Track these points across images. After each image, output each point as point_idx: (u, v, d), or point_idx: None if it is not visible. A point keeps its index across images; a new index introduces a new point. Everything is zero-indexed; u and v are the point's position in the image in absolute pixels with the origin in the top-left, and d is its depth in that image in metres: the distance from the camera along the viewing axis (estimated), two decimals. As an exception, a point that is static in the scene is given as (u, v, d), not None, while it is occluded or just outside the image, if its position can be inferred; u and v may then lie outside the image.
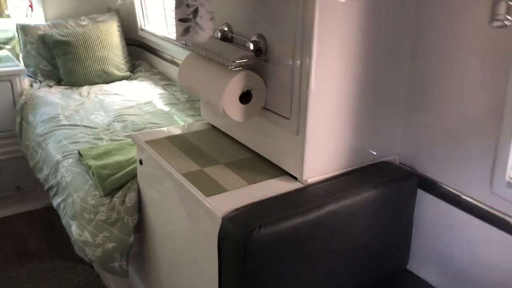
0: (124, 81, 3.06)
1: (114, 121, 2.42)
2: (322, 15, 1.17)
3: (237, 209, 1.22)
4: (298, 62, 1.24)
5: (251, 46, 1.37)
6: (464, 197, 1.36)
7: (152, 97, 2.76)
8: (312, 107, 1.26)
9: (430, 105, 1.40)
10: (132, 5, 3.24)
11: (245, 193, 1.31)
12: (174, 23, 1.36)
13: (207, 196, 1.28)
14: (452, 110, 1.34)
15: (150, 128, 2.30)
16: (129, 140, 2.14)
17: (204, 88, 1.41)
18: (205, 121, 1.80)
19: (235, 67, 1.31)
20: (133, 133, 2.27)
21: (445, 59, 1.32)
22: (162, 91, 2.85)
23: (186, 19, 1.28)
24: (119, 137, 2.24)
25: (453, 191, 1.39)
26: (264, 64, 1.36)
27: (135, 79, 3.12)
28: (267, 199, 1.27)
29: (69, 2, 3.35)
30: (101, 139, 2.22)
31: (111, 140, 2.21)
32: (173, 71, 3.06)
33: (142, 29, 3.22)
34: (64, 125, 2.38)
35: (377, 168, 1.45)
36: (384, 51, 1.34)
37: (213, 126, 1.74)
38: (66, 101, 2.73)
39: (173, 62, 3.08)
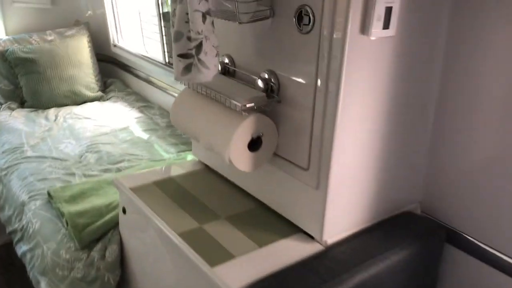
0: (95, 103, 2.80)
1: (86, 152, 2.17)
2: (351, 54, 0.99)
3: (252, 285, 1.01)
4: (321, 105, 1.05)
5: (261, 84, 1.17)
6: (495, 252, 1.21)
7: (128, 122, 2.51)
8: (336, 157, 1.08)
9: (455, 148, 1.24)
10: (103, 17, 2.98)
11: (258, 261, 1.10)
12: (168, 54, 1.15)
13: (212, 266, 1.07)
14: (479, 154, 1.18)
15: (128, 160, 2.06)
16: (106, 176, 1.90)
17: (205, 133, 1.20)
18: (197, 160, 1.59)
19: (245, 111, 1.11)
20: (109, 166, 2.03)
21: (471, 102, 1.17)
22: (139, 114, 2.61)
23: (187, 55, 1.07)
24: (93, 171, 1.99)
25: (483, 245, 1.23)
26: (276, 105, 1.17)
27: (107, 99, 2.86)
28: (285, 268, 1.07)
29: (33, 14, 3.06)
30: (73, 174, 1.96)
31: (85, 175, 1.95)
32: (149, 91, 2.82)
33: (115, 45, 2.97)
34: (29, 157, 2.11)
35: (402, 221, 1.28)
36: (411, 94, 1.17)
37: (207, 166, 1.53)
38: (31, 126, 2.45)
39: (149, 82, 2.84)
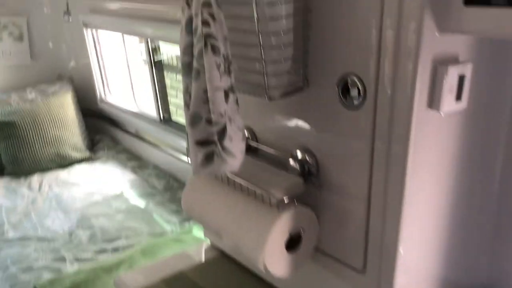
0: (84, 165, 2.56)
1: (77, 228, 1.91)
2: (418, 133, 0.78)
3: None
4: (379, 194, 0.84)
5: (295, 165, 0.96)
6: None
7: (122, 186, 2.27)
8: (403, 258, 0.86)
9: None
10: (87, 69, 2.76)
11: None
12: (188, 145, 0.94)
13: None
14: None
15: (126, 237, 1.81)
16: (103, 260, 1.65)
17: (229, 231, 0.97)
18: (209, 243, 1.35)
19: (282, 204, 0.89)
20: (105, 245, 1.78)
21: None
22: (133, 176, 2.37)
23: (207, 142, 0.85)
24: (86, 253, 1.74)
25: None
26: (314, 190, 0.95)
27: (97, 160, 2.62)
28: None
29: (12, 72, 2.83)
30: (63, 259, 1.70)
31: (77, 259, 1.70)
32: (141, 148, 2.60)
33: (102, 101, 2.75)
34: (10, 240, 1.85)
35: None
36: (477, 175, 0.97)
37: (224, 253, 1.30)
38: (12, 199, 2.19)
39: (140, 138, 2.62)
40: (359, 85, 0.82)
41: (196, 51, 0.84)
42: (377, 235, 0.87)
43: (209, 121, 0.85)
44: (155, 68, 2.27)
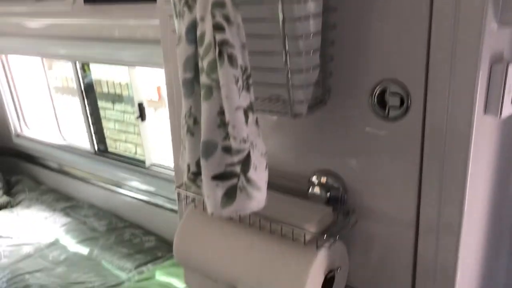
0: (2, 212, 2.19)
1: (9, 290, 1.59)
2: (477, 145, 0.68)
3: None
4: (431, 217, 0.73)
5: (319, 193, 0.82)
6: None
7: (55, 232, 1.96)
8: (459, 280, 0.75)
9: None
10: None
11: None
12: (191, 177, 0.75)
13: None
14: None
15: (75, 293, 1.53)
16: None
17: (249, 278, 0.79)
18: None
19: (320, 242, 0.74)
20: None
21: None
22: (66, 219, 2.07)
23: (227, 175, 0.68)
24: (27, 321, 1.43)
25: None
26: (342, 220, 0.82)
27: (17, 205, 2.26)
28: None
29: None
30: (-1, 333, 1.39)
31: (17, 331, 1.39)
32: (70, 185, 2.29)
33: (18, 135, 2.40)
34: None
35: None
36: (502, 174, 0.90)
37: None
38: None
39: (67, 173, 2.31)
40: (402, 92, 0.70)
41: (205, 64, 0.67)
42: (428, 262, 0.75)
43: (227, 149, 0.68)
44: (85, 95, 2.01)
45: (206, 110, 0.68)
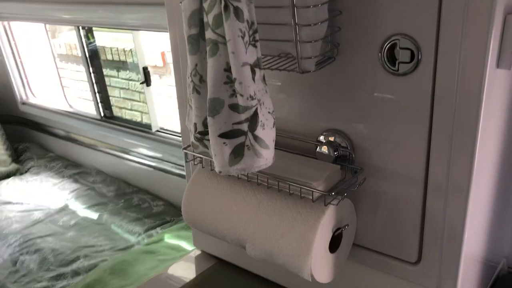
0: (12, 179, 2.21)
1: (21, 253, 1.62)
2: (488, 99, 0.67)
3: None
4: (440, 174, 0.72)
5: (327, 152, 0.81)
6: None
7: (64, 198, 1.98)
8: (467, 242, 0.75)
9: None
10: (2, 68, 2.38)
11: None
12: (193, 136, 0.75)
13: None
14: None
15: (85, 256, 1.56)
16: (67, 286, 1.40)
17: (257, 236, 0.80)
18: (200, 252, 1.17)
19: (328, 199, 0.74)
20: (62, 270, 1.51)
21: None
22: (75, 185, 2.09)
23: (234, 133, 0.67)
24: (41, 282, 1.47)
25: None
26: (349, 178, 0.81)
27: (26, 172, 2.28)
28: None
29: None
30: (13, 294, 1.42)
31: (31, 292, 1.43)
32: (78, 152, 2.30)
33: (24, 103, 2.40)
34: None
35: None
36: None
37: (222, 260, 1.13)
38: None
39: (74, 141, 2.32)
40: (412, 47, 0.69)
41: (210, 19, 0.65)
42: (436, 222, 0.75)
43: (235, 107, 0.67)
44: (90, 62, 1.99)
45: (212, 66, 0.67)
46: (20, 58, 2.33)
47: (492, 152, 0.80)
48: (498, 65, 0.67)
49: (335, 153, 0.81)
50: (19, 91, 2.40)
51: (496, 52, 0.66)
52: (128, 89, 2.37)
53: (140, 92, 2.28)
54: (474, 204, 0.74)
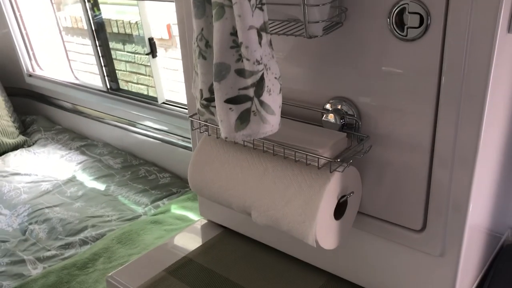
0: (20, 151, 2.23)
1: (30, 223, 1.65)
2: (498, 65, 0.66)
3: None
4: (447, 142, 0.72)
5: (334, 120, 0.81)
6: None
7: (72, 170, 2.00)
8: (473, 210, 0.75)
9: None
10: (8, 40, 2.37)
11: None
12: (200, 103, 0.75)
13: None
14: None
15: (93, 226, 1.58)
16: (72, 255, 1.42)
17: (262, 203, 0.81)
18: (206, 221, 1.19)
19: (334, 166, 0.74)
20: (70, 239, 1.54)
21: None
22: (82, 157, 2.10)
23: (240, 98, 0.67)
24: (50, 251, 1.49)
25: None
26: (355, 146, 0.81)
27: (33, 144, 2.30)
28: None
29: None
30: (23, 262, 1.45)
31: (40, 259, 1.45)
32: (84, 124, 2.31)
33: (30, 75, 2.40)
34: (-49, 247, 1.55)
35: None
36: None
37: (227, 229, 1.14)
38: None
39: (81, 113, 2.33)
40: (421, 11, 0.67)
41: (217, -20, 0.64)
42: (442, 189, 0.75)
43: (241, 72, 0.67)
44: (96, 35, 1.98)
45: (218, 30, 0.66)
46: (26, 30, 2.32)
47: (501, 122, 0.79)
48: (509, 29, 0.66)
49: (342, 121, 0.80)
50: (25, 63, 2.40)
51: (508, 15, 0.64)
52: (134, 62, 2.36)
53: (146, 66, 2.27)
54: (480, 175, 0.73)
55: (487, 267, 0.98)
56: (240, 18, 0.63)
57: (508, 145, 0.88)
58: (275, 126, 0.70)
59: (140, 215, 1.62)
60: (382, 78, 0.75)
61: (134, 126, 2.07)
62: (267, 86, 0.67)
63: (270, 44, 0.68)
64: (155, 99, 1.98)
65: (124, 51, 2.46)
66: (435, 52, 0.68)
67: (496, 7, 0.62)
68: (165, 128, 1.94)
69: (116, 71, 2.22)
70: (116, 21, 2.38)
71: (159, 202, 1.68)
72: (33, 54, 2.39)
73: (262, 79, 0.66)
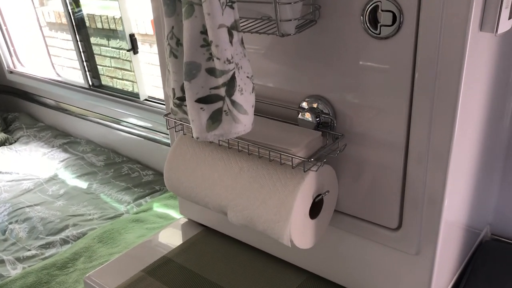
0: (1, 149, 2.20)
1: (10, 223, 1.62)
2: (471, 61, 0.66)
3: None
4: (421, 140, 0.72)
5: (310, 118, 0.80)
6: None
7: (54, 168, 1.98)
8: (448, 208, 0.75)
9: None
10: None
11: None
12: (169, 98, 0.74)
13: None
14: None
15: (74, 225, 1.57)
16: (52, 255, 1.41)
17: (238, 203, 0.80)
18: (186, 220, 1.18)
19: (307, 166, 0.73)
20: (51, 238, 1.52)
21: None
22: (65, 155, 2.08)
23: (211, 98, 0.66)
24: (30, 250, 1.48)
25: None
26: (330, 144, 0.81)
27: (15, 141, 2.27)
28: None
29: None
30: (2, 262, 1.43)
31: (19, 260, 1.43)
32: (67, 121, 2.28)
33: (11, 72, 2.36)
34: None
35: (490, 256, 1.00)
36: (498, 95, 0.88)
37: (207, 227, 1.14)
38: None
39: (64, 110, 2.30)
40: (394, 9, 0.67)
41: (185, -22, 0.63)
42: (417, 187, 0.75)
43: (211, 71, 0.66)
44: (77, 31, 1.95)
45: (187, 29, 0.65)
46: (6, 26, 2.28)
47: (476, 118, 0.79)
48: (481, 27, 0.66)
49: (317, 120, 0.80)
50: (6, 60, 2.36)
51: (479, 14, 0.64)
52: (119, 58, 2.33)
53: (131, 61, 2.25)
54: (455, 171, 0.73)
55: (466, 263, 0.99)
56: (209, 16, 0.62)
57: (486, 141, 0.88)
58: (247, 126, 0.69)
59: (122, 214, 1.61)
60: (356, 76, 0.74)
61: (118, 123, 2.05)
62: (239, 85, 0.66)
63: (242, 42, 0.67)
64: (138, 96, 1.96)
65: (108, 46, 2.42)
66: (409, 50, 0.68)
67: (467, 5, 0.61)
68: (148, 125, 1.93)
69: (100, 67, 2.19)
70: (100, 16, 2.35)
71: (142, 200, 1.66)
72: (14, 50, 2.35)
73: (233, 78, 0.65)
